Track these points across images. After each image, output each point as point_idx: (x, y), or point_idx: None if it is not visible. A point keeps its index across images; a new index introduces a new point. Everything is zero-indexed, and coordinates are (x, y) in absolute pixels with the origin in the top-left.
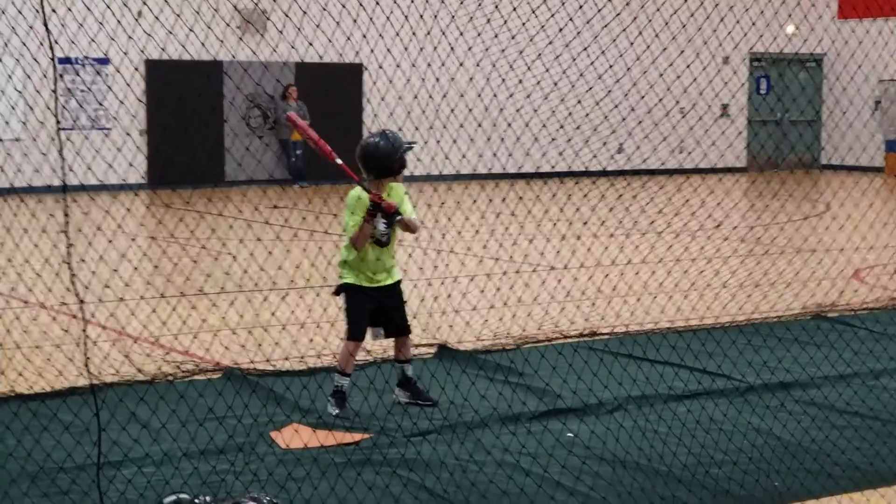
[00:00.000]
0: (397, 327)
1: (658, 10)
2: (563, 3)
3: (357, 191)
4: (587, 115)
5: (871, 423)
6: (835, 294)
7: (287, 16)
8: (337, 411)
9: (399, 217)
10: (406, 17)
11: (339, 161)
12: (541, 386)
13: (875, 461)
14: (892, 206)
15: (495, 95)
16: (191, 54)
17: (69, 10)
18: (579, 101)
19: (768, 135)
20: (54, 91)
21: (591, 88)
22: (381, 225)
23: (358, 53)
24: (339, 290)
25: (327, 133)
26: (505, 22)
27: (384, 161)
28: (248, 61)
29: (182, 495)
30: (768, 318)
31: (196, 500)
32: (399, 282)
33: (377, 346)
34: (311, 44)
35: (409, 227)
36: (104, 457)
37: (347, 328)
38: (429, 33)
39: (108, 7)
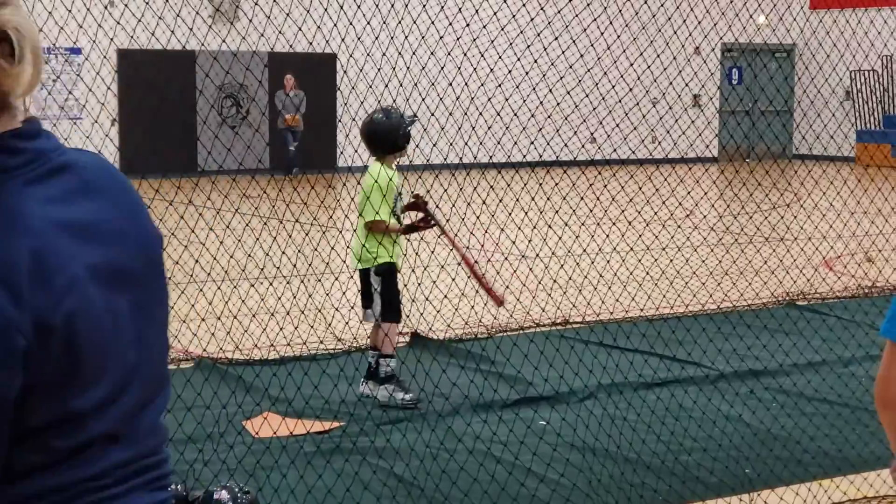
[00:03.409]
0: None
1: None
2: None
3: (384, 174)
4: (558, 104)
5: (840, 410)
6: (804, 282)
7: (258, 5)
8: (408, 396)
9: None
10: (377, 5)
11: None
12: (512, 374)
13: (844, 448)
14: (861, 195)
15: (466, 84)
16: (161, 44)
17: None
18: (550, 91)
19: (738, 124)
20: None
21: (562, 78)
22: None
23: (329, 43)
24: (379, 271)
25: (302, 123)
26: (476, 11)
27: (395, 134)
28: (219, 50)
29: None
30: (738, 306)
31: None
32: None
33: (349, 332)
34: (281, 32)
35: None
36: None
37: (388, 310)
38: (400, 22)
39: None
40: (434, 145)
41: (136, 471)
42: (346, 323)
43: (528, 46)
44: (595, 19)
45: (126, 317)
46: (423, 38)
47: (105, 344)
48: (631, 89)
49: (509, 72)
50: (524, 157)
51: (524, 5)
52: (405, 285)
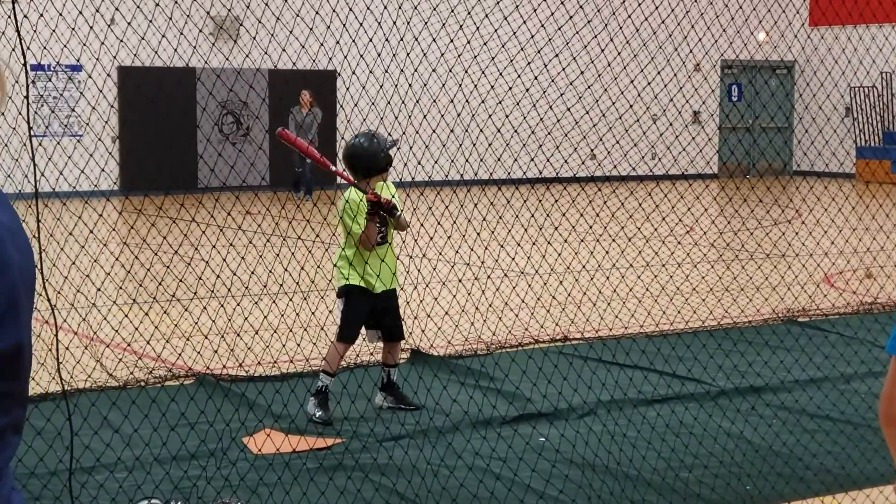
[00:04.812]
0: (392, 332)
1: (629, 16)
2: (535, 10)
3: (354, 194)
4: (558, 121)
5: (841, 426)
6: (805, 299)
7: (260, 22)
8: (319, 413)
9: (399, 213)
10: (379, 23)
11: (334, 168)
12: (512, 390)
13: (846, 465)
14: (862, 211)
15: (467, 101)
16: (163, 60)
17: (41, 16)
18: (550, 107)
19: (739, 141)
20: (26, 97)
21: (562, 94)
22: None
23: (331, 60)
24: (341, 292)
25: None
26: (477, 28)
27: (369, 160)
28: (220, 68)
29: (154, 500)
30: (739, 322)
31: None
32: (395, 289)
33: (351, 351)
34: (284, 50)
35: (401, 225)
36: (76, 462)
37: (340, 328)
38: (402, 39)
39: (81, 13)
40: (435, 162)
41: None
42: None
43: (529, 63)
44: (595, 36)
45: (30, 319)
46: (423, 55)
47: (28, 336)
48: (631, 106)
49: (510, 88)
50: (524, 173)
51: (525, 22)
52: (406, 301)
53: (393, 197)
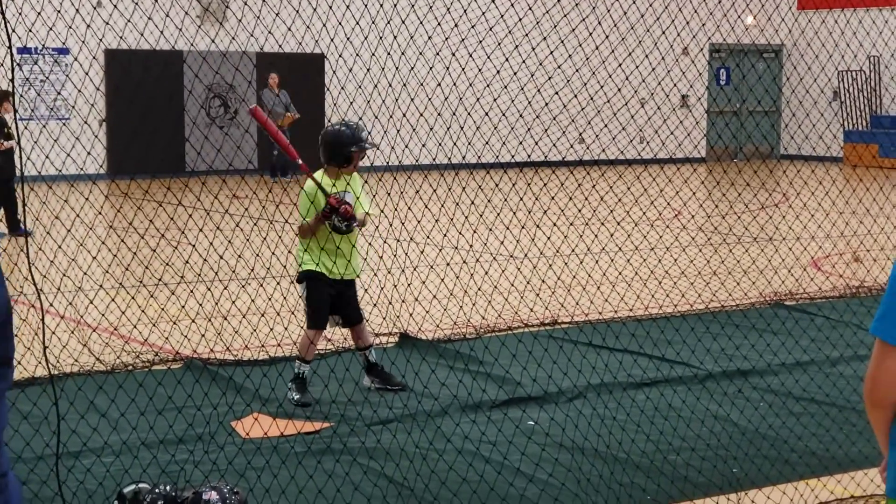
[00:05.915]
0: (350, 317)
1: None
2: None
3: (312, 183)
4: (546, 104)
5: (827, 409)
6: (792, 282)
7: (247, 4)
8: (297, 396)
9: (356, 222)
10: (366, 6)
11: (300, 161)
12: (501, 374)
13: (832, 447)
14: (849, 195)
15: (455, 85)
16: (150, 44)
17: None
18: (539, 91)
19: (726, 124)
20: (12, 81)
21: (550, 78)
22: (335, 221)
23: (318, 43)
24: (300, 279)
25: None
26: (465, 11)
27: (335, 149)
28: (207, 51)
29: (142, 485)
30: (726, 305)
31: (156, 490)
32: (353, 279)
33: (339, 334)
34: (270, 33)
35: (360, 222)
36: (63, 446)
37: (308, 317)
38: (389, 22)
39: None
40: (423, 145)
41: None
42: (337, 323)
43: (517, 47)
44: (584, 19)
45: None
46: (411, 38)
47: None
48: (619, 90)
49: (497, 72)
50: (512, 157)
51: (512, 5)
52: (395, 286)
53: (362, 188)
